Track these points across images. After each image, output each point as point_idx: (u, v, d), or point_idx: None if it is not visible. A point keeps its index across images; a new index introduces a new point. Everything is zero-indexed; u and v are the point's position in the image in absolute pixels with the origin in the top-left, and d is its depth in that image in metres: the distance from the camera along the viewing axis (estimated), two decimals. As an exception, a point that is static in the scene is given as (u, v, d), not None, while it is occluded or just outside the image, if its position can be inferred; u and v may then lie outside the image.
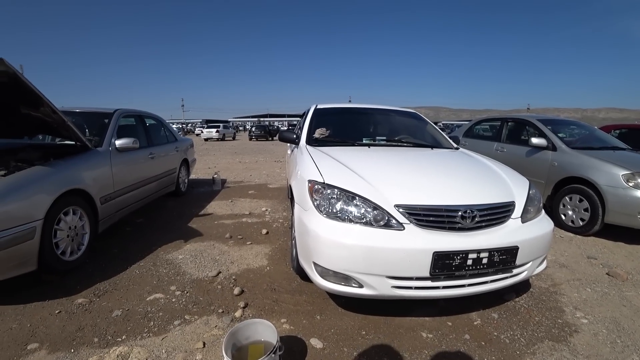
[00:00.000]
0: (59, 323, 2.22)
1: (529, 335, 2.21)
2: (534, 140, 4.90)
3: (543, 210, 2.56)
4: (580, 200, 4.29)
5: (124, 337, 2.10)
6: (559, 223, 4.46)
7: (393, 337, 2.16)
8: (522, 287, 2.81)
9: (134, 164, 4.13)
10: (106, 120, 3.96)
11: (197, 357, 1.93)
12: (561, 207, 4.54)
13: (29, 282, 2.66)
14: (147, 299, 2.54)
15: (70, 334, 2.11)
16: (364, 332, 2.19)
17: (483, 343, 2.12)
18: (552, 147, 4.82)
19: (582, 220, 4.27)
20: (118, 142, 3.74)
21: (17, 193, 2.40)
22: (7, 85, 2.59)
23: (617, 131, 7.98)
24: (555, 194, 4.65)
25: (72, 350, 1.97)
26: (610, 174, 3.99)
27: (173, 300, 2.53)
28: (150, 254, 3.35)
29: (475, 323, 2.34)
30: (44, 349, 1.97)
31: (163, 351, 1.98)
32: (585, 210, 4.22)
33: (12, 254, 2.33)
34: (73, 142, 3.54)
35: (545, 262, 2.49)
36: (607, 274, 3.18)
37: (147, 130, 4.96)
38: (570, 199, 4.43)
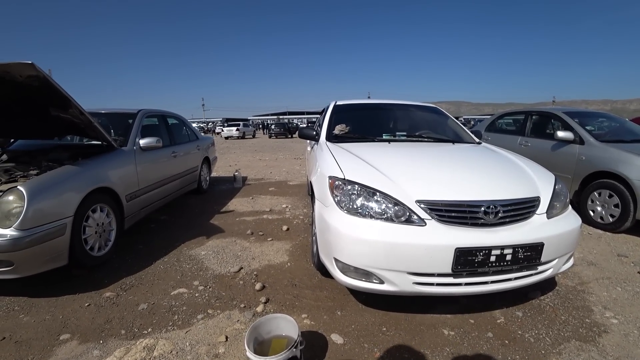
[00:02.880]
0: (89, 315, 2.31)
1: (555, 335, 2.15)
2: (560, 134, 4.74)
3: (570, 206, 2.48)
4: (610, 196, 4.13)
5: (149, 329, 2.17)
6: (587, 219, 4.31)
7: (414, 333, 2.15)
8: (548, 285, 2.73)
9: (157, 163, 4.23)
10: (130, 121, 4.07)
11: (219, 351, 1.97)
12: (589, 202, 4.38)
13: (60, 276, 2.78)
14: (172, 293, 2.61)
15: (99, 326, 2.19)
16: (384, 329, 2.19)
17: (507, 342, 2.08)
18: (580, 141, 4.64)
19: (612, 216, 4.11)
20: (142, 142, 3.84)
21: (49, 192, 2.51)
22: (37, 89, 2.70)
23: (650, 123, 7.64)
24: (583, 190, 4.49)
25: (101, 341, 2.04)
26: (643, 168, 3.82)
27: (196, 294, 2.59)
28: (174, 250, 3.43)
29: (498, 321, 2.29)
30: (75, 340, 2.06)
31: (187, 344, 2.03)
32: (616, 206, 4.06)
33: (45, 249, 2.45)
34: (100, 142, 3.66)
35: (572, 259, 2.41)
36: (638, 272, 3.05)
37: (170, 129, 5.07)
38: (600, 194, 4.26)
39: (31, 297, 2.53)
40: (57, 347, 2.00)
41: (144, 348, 1.97)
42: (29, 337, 2.09)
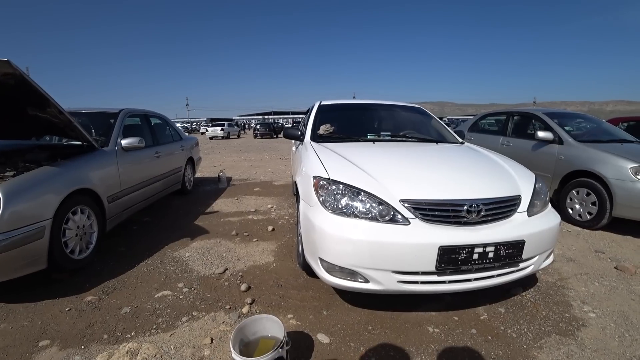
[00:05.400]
0: (69, 320, 2.25)
1: (536, 330, 2.21)
2: (540, 134, 4.86)
3: (550, 204, 2.55)
4: (588, 194, 4.25)
5: (133, 333, 2.13)
6: (566, 217, 4.42)
7: (399, 332, 2.17)
8: (529, 281, 2.79)
9: (140, 163, 4.16)
10: (112, 120, 3.99)
11: (205, 353, 1.95)
12: (568, 200, 4.50)
13: (39, 280, 2.70)
14: (155, 296, 2.57)
15: (81, 331, 2.14)
16: (370, 327, 2.20)
17: (490, 337, 2.12)
18: (559, 141, 4.77)
19: (590, 214, 4.23)
20: (124, 142, 3.77)
21: (27, 193, 2.44)
22: (14, 87, 2.62)
23: (625, 124, 7.90)
24: (562, 188, 4.61)
25: (83, 347, 2.00)
26: (618, 167, 3.95)
27: (181, 297, 2.56)
28: (158, 252, 3.38)
29: (481, 317, 2.33)
30: (55, 346, 2.01)
31: (172, 347, 2.00)
32: (593, 204, 4.18)
33: (23, 253, 2.37)
34: (80, 143, 3.58)
35: (552, 256, 2.48)
36: (615, 267, 3.15)
37: (153, 129, 5.00)
38: (578, 192, 4.39)
39: (8, 302, 2.45)
40: (36, 353, 1.94)
41: (127, 352, 1.93)
42: (7, 344, 2.02)
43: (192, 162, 6.33)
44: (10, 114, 3.17)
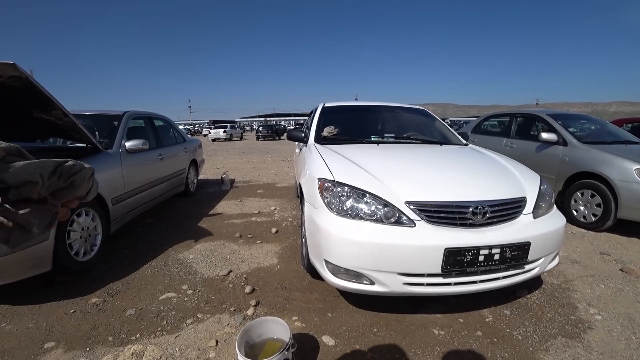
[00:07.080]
0: (74, 322, 2.26)
1: (542, 332, 2.20)
2: (544, 135, 4.85)
3: (555, 206, 2.54)
4: (592, 196, 4.23)
5: (137, 335, 2.13)
6: (570, 219, 4.40)
7: (405, 334, 2.16)
8: (534, 283, 2.78)
9: (144, 165, 4.18)
10: (116, 123, 4.01)
11: (210, 355, 1.95)
12: (573, 202, 4.48)
13: (44, 282, 2.70)
14: (160, 298, 2.57)
15: (86, 333, 2.14)
16: (375, 330, 2.19)
17: (495, 340, 2.11)
18: (563, 142, 4.75)
19: (595, 215, 4.21)
20: (128, 144, 3.78)
21: (32, 195, 2.44)
22: (19, 90, 2.63)
23: (629, 125, 7.87)
24: (567, 190, 4.59)
25: (88, 349, 2.00)
26: (623, 169, 3.93)
27: (185, 299, 2.56)
28: (162, 254, 3.38)
29: (487, 320, 2.32)
30: (60, 348, 2.01)
31: (177, 349, 2.00)
32: (598, 205, 4.16)
33: (28, 255, 2.38)
34: (84, 145, 3.59)
35: (557, 258, 2.46)
36: (620, 270, 3.13)
37: (156, 131, 5.01)
38: (582, 194, 4.37)
39: (13, 304, 2.45)
40: (41, 355, 1.95)
41: (132, 354, 1.93)
42: (12, 346, 2.03)
43: (195, 164, 6.34)
44: (15, 116, 3.18)
